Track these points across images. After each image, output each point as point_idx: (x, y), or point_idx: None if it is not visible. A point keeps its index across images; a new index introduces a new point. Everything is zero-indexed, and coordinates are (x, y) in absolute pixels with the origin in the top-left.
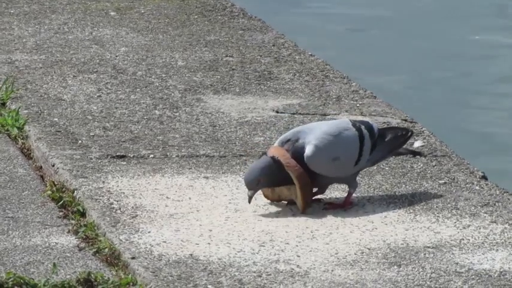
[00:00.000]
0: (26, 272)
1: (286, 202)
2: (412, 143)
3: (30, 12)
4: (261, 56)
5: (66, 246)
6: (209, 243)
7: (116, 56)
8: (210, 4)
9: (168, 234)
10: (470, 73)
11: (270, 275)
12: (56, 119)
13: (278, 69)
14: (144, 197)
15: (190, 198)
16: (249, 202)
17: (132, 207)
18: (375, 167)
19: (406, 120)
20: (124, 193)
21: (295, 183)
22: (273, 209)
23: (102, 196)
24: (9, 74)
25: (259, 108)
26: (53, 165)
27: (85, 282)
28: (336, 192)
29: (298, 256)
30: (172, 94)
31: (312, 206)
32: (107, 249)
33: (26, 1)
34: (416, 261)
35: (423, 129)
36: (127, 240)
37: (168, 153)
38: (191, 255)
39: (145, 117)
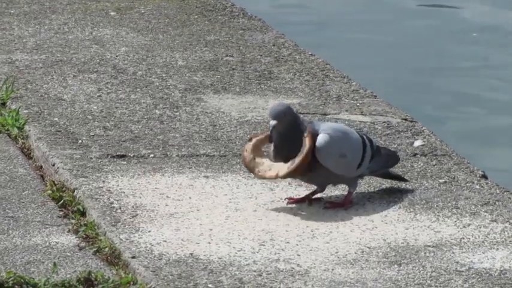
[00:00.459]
0: (26, 271)
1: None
2: (413, 142)
3: (30, 12)
4: (261, 55)
5: (67, 245)
6: (209, 243)
7: (116, 56)
8: (210, 4)
9: (169, 233)
10: (471, 72)
11: (270, 274)
12: (56, 119)
13: (278, 69)
14: (144, 196)
15: (190, 198)
16: (271, 133)
17: (133, 207)
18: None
19: (406, 120)
20: (124, 192)
21: (304, 149)
22: (273, 208)
23: (103, 195)
24: (9, 74)
25: (259, 107)
26: (53, 165)
27: (85, 282)
28: (336, 191)
29: (299, 255)
30: (173, 94)
31: (292, 178)
32: (107, 249)
33: (26, 1)
34: (417, 260)
35: (423, 128)
36: (127, 239)
37: (168, 153)
38: (191, 254)
39: (145, 117)
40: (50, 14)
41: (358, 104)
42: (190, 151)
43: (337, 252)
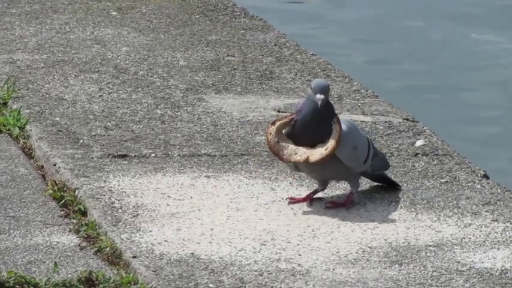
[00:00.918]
0: (27, 271)
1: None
2: (414, 142)
3: (31, 12)
4: (262, 55)
5: (68, 245)
6: (210, 242)
7: (118, 56)
8: (211, 4)
9: (170, 233)
10: (472, 71)
11: (271, 273)
12: (58, 119)
13: (280, 69)
14: (146, 196)
15: (191, 198)
16: (321, 106)
17: (134, 207)
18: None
19: (407, 120)
20: (125, 192)
21: (335, 136)
22: (274, 208)
23: (104, 195)
24: (10, 74)
25: (260, 107)
26: (55, 165)
27: (86, 281)
28: (338, 191)
29: (300, 255)
30: (174, 94)
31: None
32: (108, 248)
33: (28, 1)
34: (418, 260)
35: (424, 128)
36: (128, 239)
37: (169, 153)
38: (192, 254)
39: (146, 117)
40: (51, 13)
41: (359, 104)
42: (192, 151)
43: (338, 252)
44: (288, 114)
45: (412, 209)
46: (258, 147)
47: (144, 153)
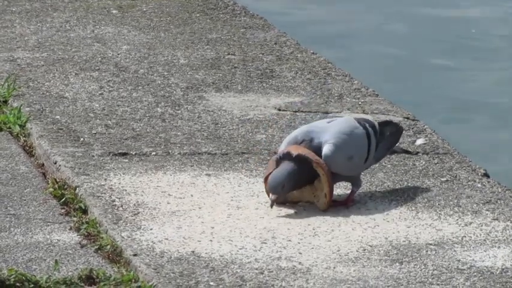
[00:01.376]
0: (28, 268)
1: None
2: (415, 141)
3: (32, 10)
4: (263, 54)
5: (68, 243)
6: (211, 241)
7: (118, 54)
8: (211, 2)
9: (170, 231)
10: (472, 71)
11: (272, 272)
12: (58, 117)
13: (280, 67)
14: (146, 194)
15: (192, 196)
16: (272, 207)
17: (134, 205)
18: (377, 165)
19: (408, 118)
20: (126, 190)
21: (324, 180)
22: (275, 206)
23: (104, 193)
24: (11, 72)
25: (261, 106)
26: (55, 163)
27: (87, 279)
28: (338, 189)
29: (300, 253)
30: (174, 92)
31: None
32: (108, 246)
33: None
34: (418, 259)
35: (425, 126)
36: (129, 237)
37: (170, 151)
38: (193, 252)
39: (147, 115)
40: (51, 12)
41: (360, 103)
42: (192, 149)
43: (338, 251)
44: (272, 162)
45: (413, 208)
46: (259, 145)
47: (144, 151)
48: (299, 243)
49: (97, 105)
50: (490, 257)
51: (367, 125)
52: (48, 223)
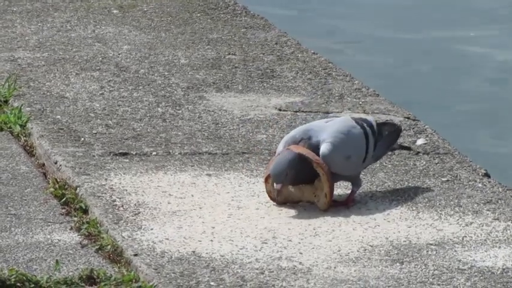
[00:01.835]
0: (29, 268)
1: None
2: (415, 141)
3: (32, 10)
4: (263, 54)
5: (69, 243)
6: (212, 240)
7: (119, 54)
8: (212, 2)
9: (171, 231)
10: (473, 69)
11: (273, 272)
12: (59, 117)
13: (281, 67)
14: (147, 194)
15: (192, 196)
16: (277, 196)
17: (135, 205)
18: (377, 164)
19: (408, 118)
20: (127, 190)
21: (324, 180)
22: (276, 206)
23: (105, 193)
24: (11, 72)
25: (261, 106)
26: (56, 163)
27: (87, 279)
28: (339, 189)
29: (301, 253)
30: (175, 92)
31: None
32: (109, 246)
33: None
34: (419, 259)
35: (426, 127)
36: (129, 237)
37: (170, 151)
38: (194, 252)
39: (148, 115)
40: (52, 11)
41: (360, 103)
42: (193, 149)
43: (339, 251)
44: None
45: (414, 208)
46: (259, 145)
47: (145, 151)
48: (300, 243)
49: (98, 105)
50: (490, 257)
51: (365, 124)
52: (49, 223)
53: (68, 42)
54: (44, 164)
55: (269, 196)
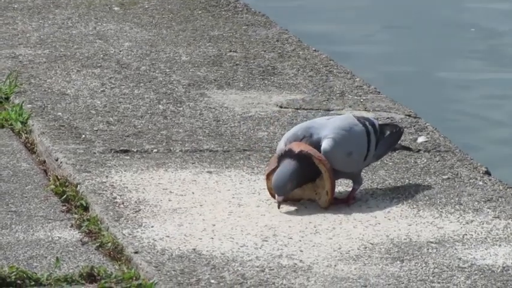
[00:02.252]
0: (29, 266)
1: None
2: (416, 139)
3: (33, 7)
4: (264, 51)
5: (69, 240)
6: (212, 238)
7: (120, 51)
8: None
9: (171, 228)
10: (473, 68)
11: (273, 269)
12: (60, 114)
13: (282, 65)
14: (148, 191)
15: (193, 193)
16: (279, 207)
17: (136, 202)
18: (379, 162)
19: (410, 116)
20: (127, 187)
21: (326, 177)
22: (276, 204)
23: (106, 190)
24: (12, 69)
25: (263, 103)
26: (57, 160)
27: (88, 277)
28: (340, 187)
29: (301, 251)
30: (176, 89)
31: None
32: (110, 244)
33: None
34: (419, 257)
35: (427, 124)
36: (130, 234)
37: (171, 148)
38: (194, 249)
39: (149, 112)
40: (53, 8)
41: (361, 100)
42: (194, 146)
43: (339, 248)
44: (274, 159)
45: (414, 206)
46: (260, 143)
47: (146, 148)
48: (300, 241)
49: (99, 102)
50: (491, 255)
51: (366, 122)
52: (50, 220)
53: (69, 39)
54: (44, 161)
55: (270, 193)
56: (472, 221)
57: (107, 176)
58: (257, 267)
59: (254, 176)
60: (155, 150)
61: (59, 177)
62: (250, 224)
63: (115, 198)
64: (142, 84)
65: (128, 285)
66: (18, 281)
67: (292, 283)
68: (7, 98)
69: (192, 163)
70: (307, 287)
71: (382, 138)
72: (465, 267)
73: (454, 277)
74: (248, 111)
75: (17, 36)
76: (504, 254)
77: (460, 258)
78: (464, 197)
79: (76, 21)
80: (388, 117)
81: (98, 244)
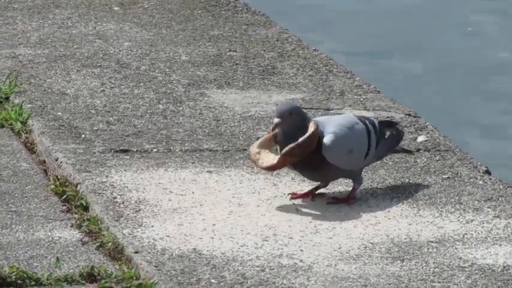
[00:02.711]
0: (29, 266)
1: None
2: (416, 137)
3: (33, 6)
4: (264, 50)
5: (70, 240)
6: (212, 238)
7: (120, 51)
8: None
9: (172, 228)
10: (473, 67)
11: (273, 269)
12: (60, 113)
13: (282, 64)
14: (148, 191)
15: (193, 193)
16: (273, 130)
17: (136, 202)
18: (378, 162)
19: (409, 115)
20: (127, 187)
21: (308, 133)
22: (277, 203)
23: (106, 190)
24: (12, 69)
25: (262, 102)
26: (56, 160)
27: (88, 276)
28: (340, 186)
29: (302, 251)
30: (176, 89)
31: (276, 170)
32: (110, 244)
33: None
34: (420, 256)
35: (426, 123)
36: (130, 234)
37: (171, 148)
38: (194, 249)
39: (148, 112)
40: (53, 8)
41: (361, 99)
42: (194, 146)
43: (340, 248)
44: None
45: (414, 205)
46: None
47: (146, 148)
48: (300, 240)
49: (98, 102)
50: (491, 255)
51: (367, 122)
52: (50, 220)
53: (69, 39)
54: (44, 161)
55: (251, 159)
56: (472, 221)
57: (107, 176)
58: (257, 266)
59: (254, 176)
60: (155, 149)
61: (59, 177)
62: (251, 223)
63: (115, 198)
64: (142, 84)
65: (128, 285)
66: (19, 281)
67: (293, 283)
68: (7, 98)
69: (192, 163)
70: (308, 287)
71: (383, 139)
72: (465, 267)
73: (455, 276)
74: (248, 110)
75: (17, 36)
76: (505, 254)
77: (460, 258)
78: (465, 196)
79: (76, 21)
80: (388, 117)
81: (98, 244)
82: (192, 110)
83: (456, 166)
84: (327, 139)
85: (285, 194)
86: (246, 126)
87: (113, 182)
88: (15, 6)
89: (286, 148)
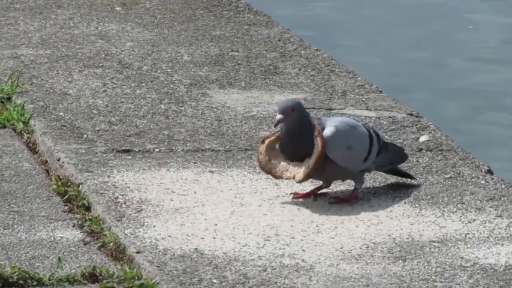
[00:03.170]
0: (31, 266)
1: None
2: (418, 137)
3: (35, 7)
4: (266, 50)
5: (71, 240)
6: (214, 238)
7: (122, 51)
8: None
9: (173, 228)
10: (474, 66)
11: (275, 269)
12: (62, 114)
13: (284, 64)
14: (150, 191)
15: (195, 193)
16: (275, 126)
17: (138, 202)
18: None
19: (411, 115)
20: (129, 187)
21: (317, 151)
22: (278, 203)
23: (108, 190)
24: (14, 69)
25: (264, 102)
26: (58, 160)
27: (90, 277)
28: (342, 186)
29: (304, 250)
30: (178, 89)
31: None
32: (112, 244)
33: None
34: (422, 256)
35: (429, 123)
36: (132, 234)
37: (173, 148)
38: (196, 249)
39: (150, 112)
40: (55, 9)
41: (363, 99)
42: (196, 146)
43: (342, 248)
44: (277, 130)
45: (416, 205)
46: None
47: (148, 148)
48: (302, 240)
49: (100, 102)
50: (493, 254)
51: (371, 130)
52: (52, 220)
53: (70, 39)
54: (46, 161)
55: (258, 158)
56: (474, 220)
57: (108, 176)
58: (259, 266)
59: (256, 176)
60: (157, 150)
61: (61, 177)
62: (252, 223)
63: (117, 198)
64: (144, 84)
65: (130, 285)
66: (21, 281)
67: (295, 282)
68: (9, 98)
69: (194, 163)
70: (309, 287)
71: (386, 152)
72: (467, 267)
73: (457, 276)
74: (250, 110)
75: (18, 36)
76: (507, 253)
77: (462, 258)
78: (467, 196)
79: (78, 21)
80: (390, 116)
81: (100, 244)
82: (194, 110)
83: (458, 166)
84: (327, 130)
85: (287, 194)
86: (248, 126)
87: (114, 182)
88: (17, 6)
89: (305, 172)
